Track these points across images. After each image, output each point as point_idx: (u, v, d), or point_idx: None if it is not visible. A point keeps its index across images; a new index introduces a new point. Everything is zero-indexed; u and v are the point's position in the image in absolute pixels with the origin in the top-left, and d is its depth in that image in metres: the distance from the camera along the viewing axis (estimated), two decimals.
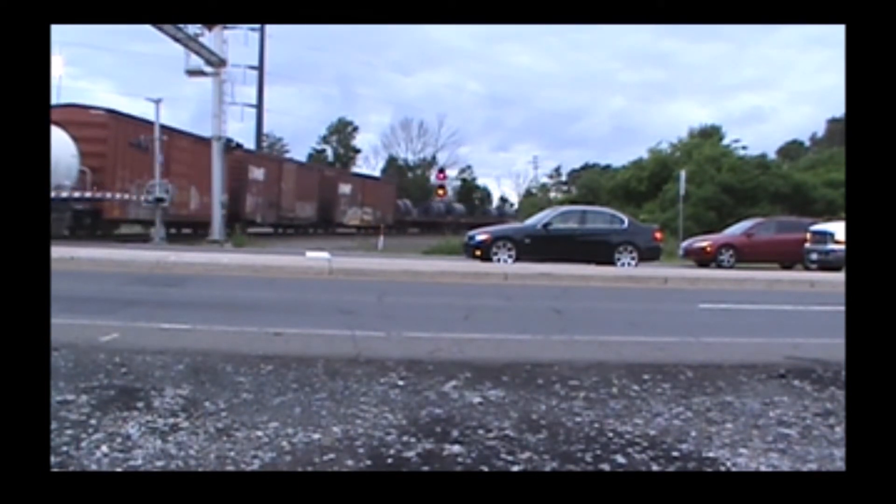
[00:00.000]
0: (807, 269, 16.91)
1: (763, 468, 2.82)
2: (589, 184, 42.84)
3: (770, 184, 30.70)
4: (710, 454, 2.96)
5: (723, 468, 2.81)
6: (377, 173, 61.70)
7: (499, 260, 14.99)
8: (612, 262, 14.99)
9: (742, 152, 34.38)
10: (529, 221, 17.20)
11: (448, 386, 3.91)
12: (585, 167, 60.72)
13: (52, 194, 16.38)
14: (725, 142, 36.44)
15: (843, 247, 14.81)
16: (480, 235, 15.95)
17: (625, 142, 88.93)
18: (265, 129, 45.86)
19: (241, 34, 28.67)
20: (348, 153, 67.17)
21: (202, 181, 24.72)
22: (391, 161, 67.10)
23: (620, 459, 2.84)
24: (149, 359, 4.23)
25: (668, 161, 34.19)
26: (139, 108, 50.60)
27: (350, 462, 2.69)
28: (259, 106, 38.73)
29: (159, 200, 20.58)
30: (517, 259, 14.99)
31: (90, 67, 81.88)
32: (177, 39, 21.19)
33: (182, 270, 10.57)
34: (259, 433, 2.97)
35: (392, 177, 60.25)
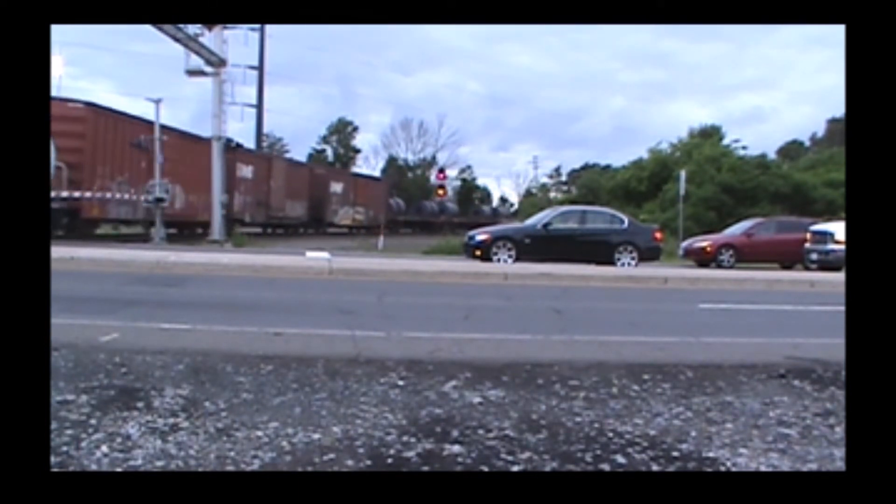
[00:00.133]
0: (807, 269, 16.91)
1: (763, 468, 2.82)
2: (589, 184, 42.84)
3: (770, 184, 30.71)
4: (710, 454, 2.96)
5: (723, 468, 2.81)
6: (377, 173, 61.69)
7: (499, 260, 15.00)
8: (612, 262, 14.99)
9: (742, 152, 34.41)
10: (529, 221, 17.20)
11: (448, 386, 3.91)
12: (585, 167, 60.75)
13: None
14: (725, 142, 36.46)
15: (843, 247, 14.81)
16: (480, 235, 15.96)
17: (625, 142, 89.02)
18: (265, 129, 45.78)
19: (241, 34, 28.74)
20: (348, 153, 67.16)
21: (188, 179, 23.72)
22: (391, 161, 67.09)
23: (620, 459, 2.84)
24: (149, 359, 4.23)
25: (668, 161, 34.19)
26: (139, 108, 50.55)
27: (350, 462, 2.69)
28: (259, 106, 38.70)
29: (159, 200, 20.57)
30: (517, 259, 14.99)
31: (90, 67, 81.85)
32: (177, 39, 21.18)
33: (182, 270, 10.57)
34: (259, 433, 2.97)
35: (392, 176, 60.22)
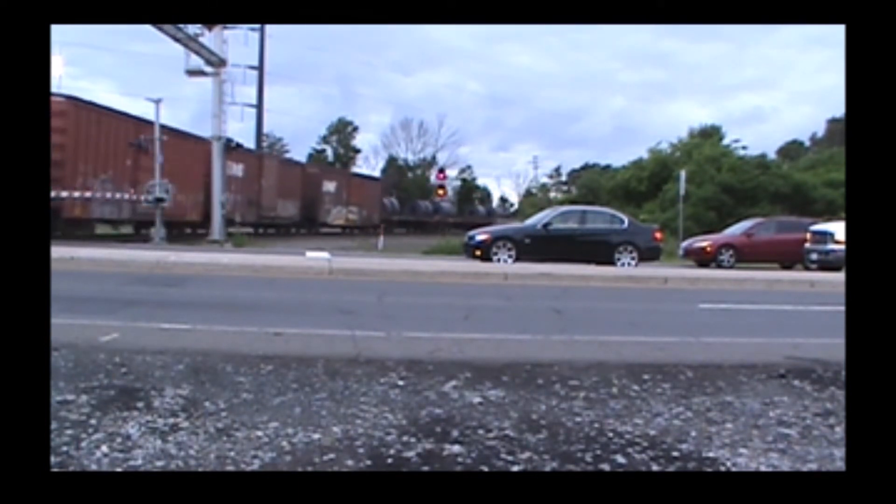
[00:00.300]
0: (807, 269, 16.91)
1: (763, 468, 2.82)
2: (589, 184, 42.83)
3: (770, 184, 30.72)
4: (710, 454, 2.96)
5: (723, 468, 2.81)
6: (377, 173, 61.67)
7: (499, 260, 15.00)
8: (612, 262, 15.00)
9: (742, 152, 34.44)
10: (529, 221, 17.20)
11: (448, 386, 3.91)
12: (585, 167, 60.75)
13: None
14: (725, 142, 36.47)
15: (843, 247, 14.81)
16: (480, 235, 15.97)
17: (625, 142, 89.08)
18: (265, 129, 45.76)
19: (241, 34, 28.71)
20: (348, 153, 67.17)
21: (176, 177, 22.63)
22: (391, 161, 67.10)
23: (620, 459, 2.84)
24: (149, 359, 4.23)
25: (668, 161, 34.20)
26: (139, 107, 50.53)
27: (350, 462, 2.69)
28: (259, 106, 38.68)
29: (159, 200, 20.59)
30: (517, 259, 14.99)
31: (90, 67, 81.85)
32: (177, 39, 21.20)
33: (182, 270, 10.57)
34: (259, 433, 2.97)
35: (392, 176, 60.19)
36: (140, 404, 3.31)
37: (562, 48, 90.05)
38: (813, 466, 2.88)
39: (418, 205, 53.23)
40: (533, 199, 52.31)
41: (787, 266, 18.48)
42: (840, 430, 3.31)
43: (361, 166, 65.14)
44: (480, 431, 3.12)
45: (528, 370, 4.38)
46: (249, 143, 34.51)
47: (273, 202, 32.96)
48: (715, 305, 8.88)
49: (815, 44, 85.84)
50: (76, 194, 18.97)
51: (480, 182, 74.14)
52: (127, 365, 4.04)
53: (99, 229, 22.70)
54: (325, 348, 4.89)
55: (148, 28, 20.86)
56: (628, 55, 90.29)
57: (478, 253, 15.32)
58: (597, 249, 15.27)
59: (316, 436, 2.97)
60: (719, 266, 18.11)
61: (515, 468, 2.70)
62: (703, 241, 19.58)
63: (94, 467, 2.54)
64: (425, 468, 2.67)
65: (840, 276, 11.53)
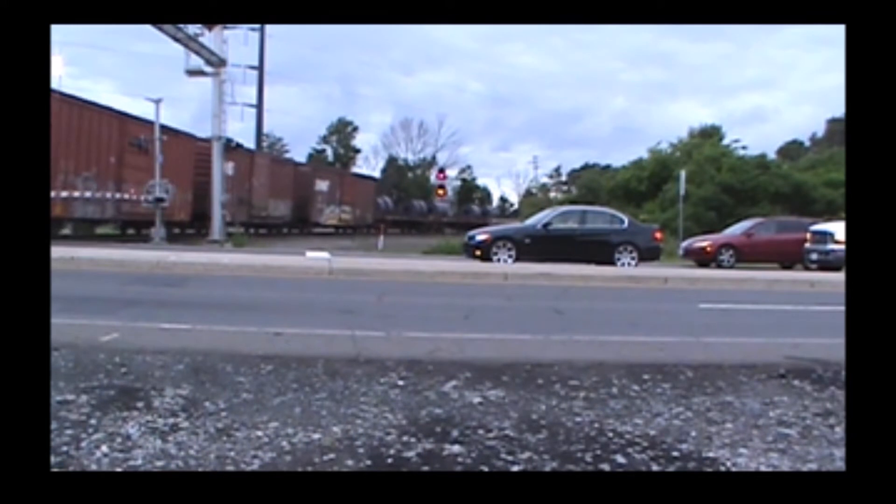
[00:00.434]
0: (807, 269, 16.91)
1: (763, 468, 2.82)
2: (589, 184, 42.84)
3: (770, 184, 30.73)
4: (710, 454, 2.96)
5: (723, 468, 2.81)
6: (377, 173, 61.68)
7: (499, 260, 15.00)
8: (612, 262, 15.00)
9: (742, 152, 34.45)
10: (529, 221, 17.21)
11: (448, 386, 3.91)
12: (586, 167, 60.78)
13: None
14: (725, 142, 36.50)
15: (843, 247, 14.81)
16: (480, 235, 15.98)
17: (626, 142, 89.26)
18: (266, 129, 45.82)
19: (241, 34, 28.77)
20: (348, 153, 67.17)
21: (164, 175, 21.46)
22: (391, 161, 67.12)
23: (620, 459, 2.84)
24: (149, 359, 4.23)
25: (668, 161, 34.22)
26: (140, 107, 50.53)
27: (350, 462, 2.69)
28: (259, 106, 38.69)
29: (159, 200, 20.59)
30: (517, 259, 14.99)
31: (90, 67, 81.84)
32: (177, 39, 21.18)
33: (182, 270, 10.57)
34: (259, 433, 2.97)
35: (391, 176, 60.18)
36: (140, 404, 3.31)
37: (564, 48, 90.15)
38: (813, 466, 2.88)
39: (412, 204, 52.79)
40: (533, 199, 52.35)
41: (787, 266, 18.48)
42: (840, 430, 3.31)
43: (361, 166, 65.24)
44: (480, 431, 3.12)
45: (528, 370, 4.37)
46: (249, 143, 34.41)
47: (264, 201, 31.96)
48: (715, 305, 8.88)
49: (817, 44, 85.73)
50: (55, 193, 17.95)
51: (480, 182, 74.27)
52: (127, 365, 4.04)
53: (80, 230, 21.39)
54: (325, 348, 4.89)
55: (148, 28, 20.85)
56: (630, 55, 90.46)
57: (478, 253, 15.32)
58: (597, 249, 15.28)
59: (316, 436, 2.97)
60: (719, 266, 18.11)
61: (515, 468, 2.70)
62: (703, 241, 19.58)
63: (94, 467, 2.54)
64: (425, 468, 2.67)
65: (840, 276, 11.53)
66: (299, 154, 59.65)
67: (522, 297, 9.26)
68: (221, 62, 23.43)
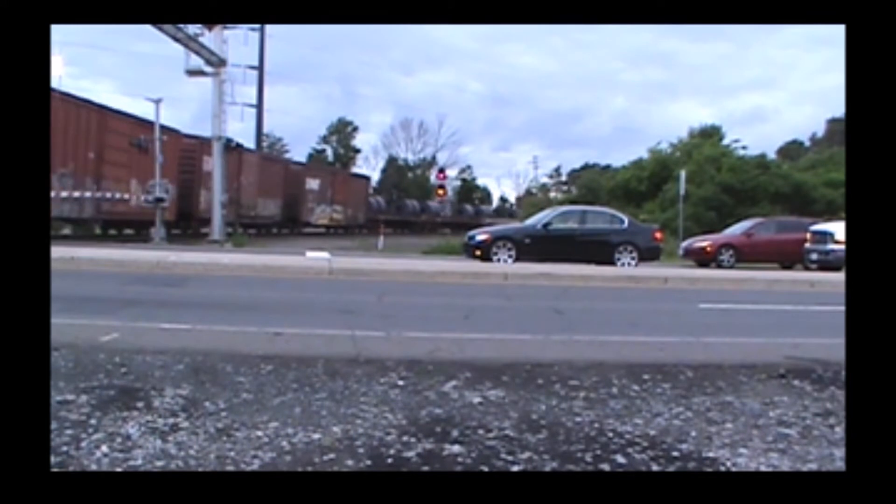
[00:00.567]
0: (807, 269, 16.91)
1: (763, 468, 2.82)
2: (589, 184, 42.80)
3: (770, 184, 30.71)
4: (710, 454, 2.96)
5: (723, 468, 2.81)
6: (376, 173, 61.70)
7: (499, 260, 15.00)
8: (612, 262, 15.00)
9: (742, 152, 34.42)
10: (529, 221, 17.21)
11: (448, 386, 3.91)
12: (586, 167, 60.78)
13: None
14: (725, 142, 36.45)
15: (843, 247, 14.81)
16: (480, 235, 15.99)
17: (626, 142, 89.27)
18: (266, 129, 45.76)
19: (241, 34, 28.77)
20: (348, 153, 67.21)
21: (148, 174, 21.12)
22: (391, 161, 67.14)
23: (620, 459, 2.84)
24: (149, 359, 4.23)
25: (668, 161, 34.19)
26: (140, 107, 50.46)
27: (350, 462, 2.69)
28: (259, 106, 38.61)
29: (159, 200, 20.60)
30: (517, 259, 15.00)
31: (90, 67, 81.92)
32: (177, 39, 21.19)
33: (182, 270, 10.57)
34: (259, 433, 2.97)
35: (391, 176, 60.17)
36: (140, 404, 3.31)
37: (564, 48, 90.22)
38: (813, 466, 2.88)
39: (405, 204, 52.21)
40: (533, 199, 52.31)
41: (787, 266, 18.48)
42: (840, 430, 3.31)
43: (361, 166, 65.26)
44: (480, 431, 3.12)
45: (528, 370, 4.37)
46: (249, 143, 34.24)
47: (253, 200, 30.65)
48: (715, 305, 8.88)
49: (817, 44, 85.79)
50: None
51: (480, 182, 74.34)
52: (127, 365, 4.04)
53: (64, 229, 20.87)
54: (325, 348, 4.89)
55: (148, 28, 20.84)
56: (630, 55, 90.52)
57: (478, 253, 15.33)
58: (597, 249, 15.28)
59: (316, 436, 2.97)
60: (719, 266, 18.11)
61: (515, 468, 2.70)
62: (703, 241, 19.58)
63: (94, 467, 2.54)
64: (425, 468, 2.66)
65: (840, 276, 11.53)
66: (299, 154, 59.71)
67: (522, 297, 9.26)
68: (221, 62, 23.44)
